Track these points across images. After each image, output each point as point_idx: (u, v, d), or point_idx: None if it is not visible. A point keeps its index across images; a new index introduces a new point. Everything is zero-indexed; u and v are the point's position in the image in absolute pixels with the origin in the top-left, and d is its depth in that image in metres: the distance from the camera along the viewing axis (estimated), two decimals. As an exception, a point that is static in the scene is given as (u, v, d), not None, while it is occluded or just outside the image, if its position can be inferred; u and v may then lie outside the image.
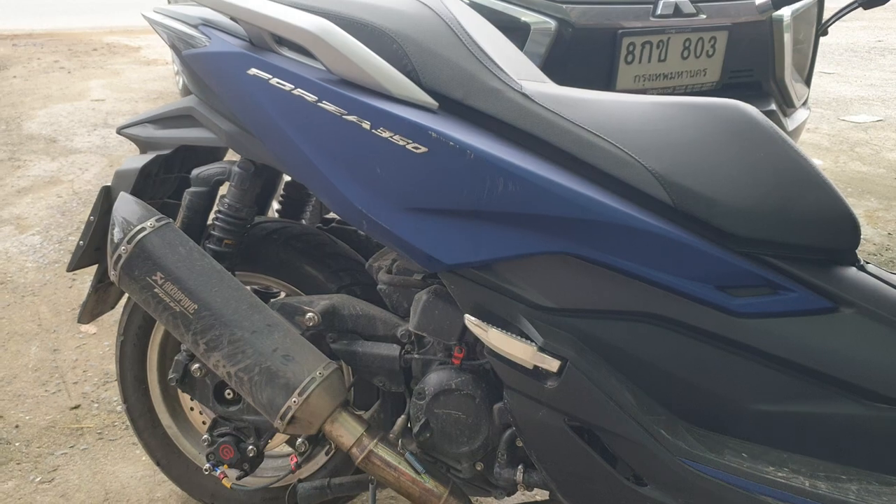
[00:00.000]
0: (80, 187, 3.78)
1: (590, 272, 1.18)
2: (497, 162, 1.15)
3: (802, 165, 1.19)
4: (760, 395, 1.20)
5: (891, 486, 1.14)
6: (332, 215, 1.75)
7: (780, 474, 1.14)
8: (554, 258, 1.19)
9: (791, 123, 2.85)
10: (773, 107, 2.75)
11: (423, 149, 1.17)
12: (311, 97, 1.23)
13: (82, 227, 3.28)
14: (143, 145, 1.52)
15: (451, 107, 1.22)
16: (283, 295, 1.60)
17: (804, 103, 3.03)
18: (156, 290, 1.28)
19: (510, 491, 1.39)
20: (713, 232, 1.17)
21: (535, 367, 1.18)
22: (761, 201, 1.17)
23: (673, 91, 2.57)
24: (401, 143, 1.18)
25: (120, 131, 1.54)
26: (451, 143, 1.16)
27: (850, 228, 1.17)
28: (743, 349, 1.18)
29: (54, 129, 4.72)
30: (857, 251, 1.20)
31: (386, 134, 1.19)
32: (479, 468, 1.37)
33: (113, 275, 1.32)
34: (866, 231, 3.51)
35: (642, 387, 1.20)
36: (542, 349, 1.17)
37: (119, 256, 1.29)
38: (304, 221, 1.74)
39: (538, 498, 1.52)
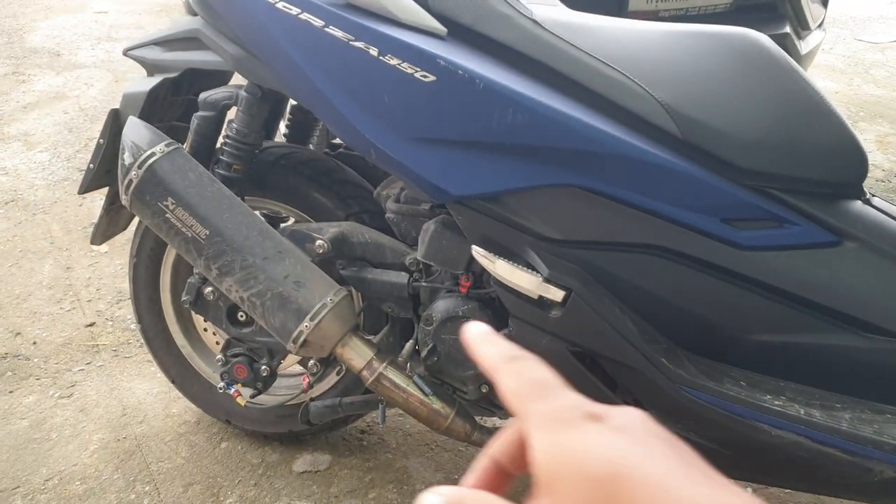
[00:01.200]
0: (87, 103, 3.75)
1: (596, 204, 1.19)
2: (506, 92, 1.14)
3: (813, 98, 1.18)
4: (761, 326, 1.22)
5: (882, 413, 1.18)
6: (338, 140, 1.74)
7: (776, 402, 1.17)
8: (561, 190, 1.19)
9: (805, 47, 2.79)
10: (788, 29, 2.68)
11: (432, 77, 1.17)
12: (317, 22, 1.21)
13: (90, 144, 3.29)
14: (150, 68, 1.51)
15: (460, 33, 1.20)
16: (291, 221, 1.61)
17: (820, 25, 2.95)
18: (167, 215, 1.29)
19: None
20: (720, 164, 1.17)
21: (541, 297, 1.20)
22: (770, 134, 1.17)
23: (686, 13, 2.51)
24: (409, 71, 1.17)
25: (126, 53, 1.53)
26: (460, 71, 1.15)
27: (858, 162, 1.17)
28: (746, 281, 1.20)
29: (57, 43, 4.64)
30: (863, 185, 1.20)
31: (394, 61, 1.18)
32: (484, 390, 1.41)
33: (124, 199, 1.33)
34: (875, 157, 3.48)
35: (645, 317, 1.23)
36: (547, 280, 1.19)
37: (130, 181, 1.30)
38: (311, 146, 1.74)
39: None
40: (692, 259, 1.20)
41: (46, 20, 5.12)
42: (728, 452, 1.21)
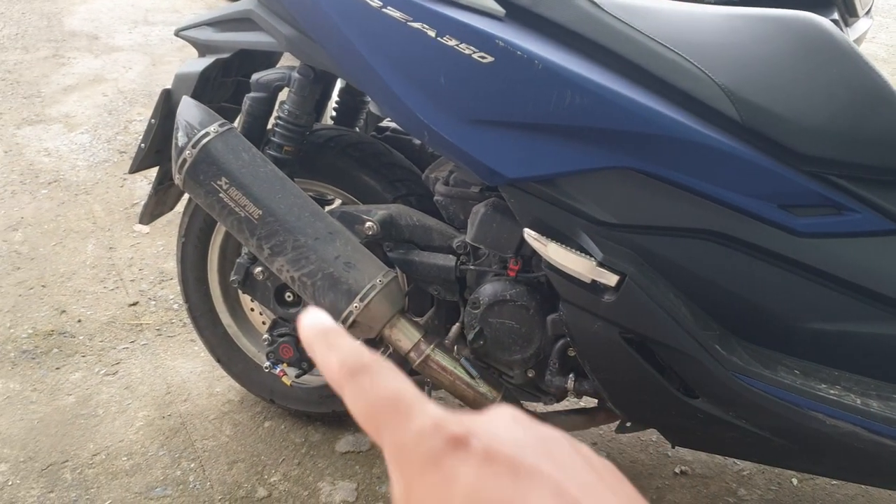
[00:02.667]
0: (125, 86, 3.78)
1: (653, 188, 1.18)
2: (565, 73, 1.14)
3: (876, 83, 1.16)
4: (817, 314, 1.21)
5: (941, 405, 1.16)
6: (386, 123, 1.74)
7: (832, 392, 1.16)
8: (618, 173, 1.18)
9: (852, 34, 2.74)
10: (836, 16, 2.64)
11: (490, 58, 1.16)
12: (375, 3, 1.21)
13: (129, 126, 3.33)
14: (202, 48, 1.52)
15: (518, 14, 1.20)
16: (338, 203, 1.62)
17: (867, 12, 2.90)
18: (220, 195, 1.30)
19: (560, 397, 1.43)
20: (780, 150, 1.15)
21: (594, 281, 1.19)
22: (832, 119, 1.15)
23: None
24: (466, 51, 1.17)
25: (178, 33, 1.54)
26: (519, 52, 1.15)
27: (922, 149, 1.15)
28: (803, 269, 1.19)
29: (95, 26, 4.68)
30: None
31: (451, 42, 1.17)
32: (530, 375, 1.41)
33: (178, 179, 1.34)
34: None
35: (699, 303, 1.22)
36: (601, 264, 1.18)
37: (184, 161, 1.31)
38: (357, 129, 1.74)
39: (582, 405, 1.56)
40: (748, 245, 1.19)
41: (84, 4, 5.16)
42: (780, 441, 1.21)
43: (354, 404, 0.30)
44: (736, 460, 1.75)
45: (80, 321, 2.15)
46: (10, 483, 1.64)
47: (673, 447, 1.51)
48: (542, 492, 0.26)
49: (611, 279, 1.18)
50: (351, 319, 1.30)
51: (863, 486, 1.64)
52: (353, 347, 0.31)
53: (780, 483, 1.71)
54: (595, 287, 1.21)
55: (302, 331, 0.33)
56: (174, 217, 1.88)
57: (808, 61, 1.17)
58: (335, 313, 1.30)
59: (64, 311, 2.19)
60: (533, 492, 0.26)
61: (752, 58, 1.16)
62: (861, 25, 2.81)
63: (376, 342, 1.46)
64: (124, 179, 2.90)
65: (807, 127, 1.14)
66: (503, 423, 0.29)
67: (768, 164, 1.15)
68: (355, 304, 1.29)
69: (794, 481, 1.71)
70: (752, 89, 1.14)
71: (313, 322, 0.33)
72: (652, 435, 1.83)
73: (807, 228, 1.17)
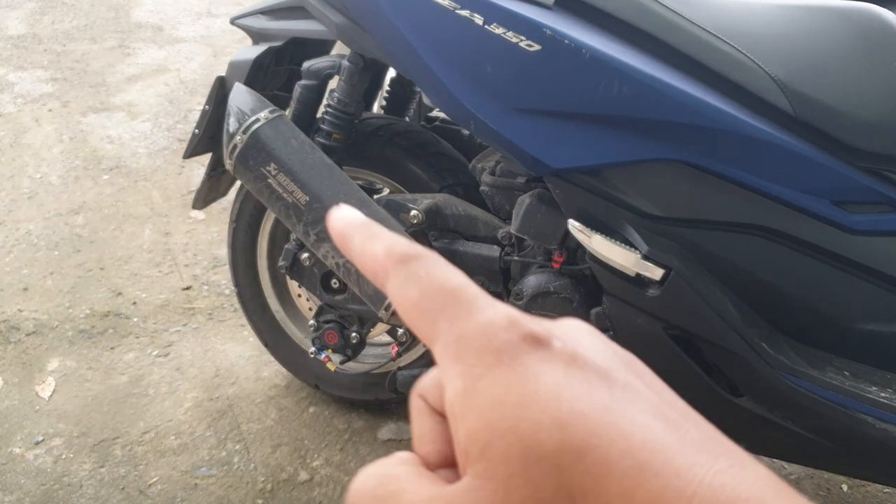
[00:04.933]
0: (187, 76, 3.87)
1: (701, 181, 1.16)
2: (613, 63, 1.12)
3: (940, 77, 1.12)
4: (869, 314, 1.17)
5: None
6: (435, 113, 1.75)
7: (882, 395, 1.12)
8: (665, 165, 1.16)
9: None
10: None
11: (537, 47, 1.15)
12: (424, -9, 1.21)
13: (189, 115, 3.40)
14: (256, 36, 1.54)
15: (566, 3, 1.18)
16: (386, 191, 1.63)
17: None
18: (269, 180, 1.32)
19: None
20: (834, 144, 1.12)
21: (638, 274, 1.18)
22: (890, 114, 1.11)
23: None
24: (514, 40, 1.16)
25: (233, 22, 1.57)
26: (567, 41, 1.13)
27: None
28: (855, 267, 1.15)
29: (160, 18, 4.80)
30: None
31: (499, 30, 1.17)
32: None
33: (228, 164, 1.37)
34: None
35: (746, 300, 1.19)
36: (646, 257, 1.17)
37: (235, 146, 1.34)
38: (407, 119, 1.75)
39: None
40: (799, 241, 1.16)
41: (150, -4, 5.30)
42: (827, 444, 1.17)
43: (403, 293, 0.26)
44: (784, 464, 1.71)
45: (135, 303, 2.22)
46: (63, 457, 1.70)
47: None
48: (643, 407, 0.23)
49: (655, 273, 1.16)
50: (393, 308, 1.30)
51: (917, 496, 1.58)
52: (401, 238, 0.28)
53: (829, 489, 1.66)
54: (639, 280, 1.19)
55: (335, 222, 0.29)
56: (229, 204, 1.92)
57: (868, 54, 1.13)
58: (378, 300, 1.32)
59: (120, 294, 2.26)
60: (632, 405, 0.23)
61: (807, 50, 1.13)
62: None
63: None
64: (182, 167, 2.97)
65: (863, 121, 1.10)
66: (586, 332, 0.26)
67: (821, 159, 1.12)
68: (398, 292, 1.30)
69: (844, 487, 1.66)
70: (807, 82, 1.11)
71: (344, 216, 0.29)
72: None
73: (860, 226, 1.13)
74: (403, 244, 0.27)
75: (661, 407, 0.23)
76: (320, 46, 1.65)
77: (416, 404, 0.28)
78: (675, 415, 0.23)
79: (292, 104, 1.50)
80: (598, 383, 0.23)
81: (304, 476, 1.68)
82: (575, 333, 0.26)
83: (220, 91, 1.53)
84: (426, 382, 0.28)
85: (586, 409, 0.22)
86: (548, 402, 0.22)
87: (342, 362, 1.57)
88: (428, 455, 0.27)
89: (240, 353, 2.03)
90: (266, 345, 1.82)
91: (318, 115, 1.53)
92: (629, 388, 0.23)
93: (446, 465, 0.26)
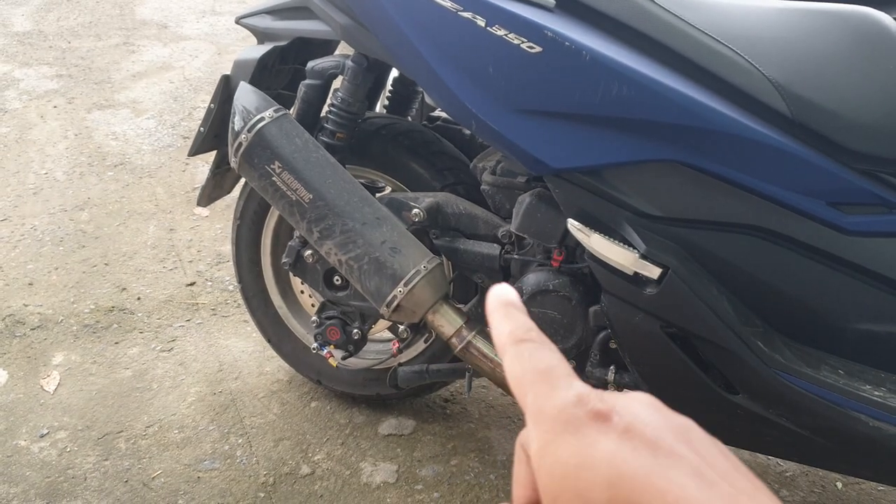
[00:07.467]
0: (191, 74, 3.89)
1: (699, 182, 1.18)
2: (613, 65, 1.14)
3: (936, 80, 1.13)
4: (863, 314, 1.19)
5: None
6: (437, 113, 1.77)
7: (876, 393, 1.14)
8: (664, 166, 1.18)
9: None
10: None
11: (538, 48, 1.17)
12: (427, -7, 1.23)
13: (194, 113, 3.42)
14: (261, 36, 1.56)
15: (567, 5, 1.20)
16: (388, 190, 1.65)
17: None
18: (273, 178, 1.34)
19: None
20: (831, 146, 1.14)
21: (636, 273, 1.20)
22: (886, 117, 1.13)
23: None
24: (515, 41, 1.18)
25: (239, 21, 1.58)
26: (567, 43, 1.15)
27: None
28: (850, 268, 1.17)
29: (165, 15, 4.82)
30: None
31: (501, 32, 1.19)
32: (571, 365, 1.42)
33: (233, 162, 1.39)
34: None
35: (743, 299, 1.21)
36: (644, 256, 1.18)
37: (239, 144, 1.36)
38: (409, 118, 1.77)
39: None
40: (795, 242, 1.17)
41: (155, -7, 5.32)
42: (822, 441, 1.19)
43: (511, 368, 0.32)
44: (779, 461, 1.73)
45: (139, 299, 2.24)
46: (68, 450, 1.72)
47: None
48: (682, 470, 0.27)
49: (653, 272, 1.18)
50: (395, 304, 1.32)
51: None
52: (526, 322, 0.34)
53: (823, 486, 1.68)
54: (637, 279, 1.21)
55: (489, 300, 0.36)
56: (232, 201, 1.94)
57: (864, 57, 1.15)
58: (379, 297, 1.34)
59: (124, 289, 2.28)
60: (672, 470, 0.27)
61: (804, 52, 1.15)
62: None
63: (419, 328, 1.49)
64: (186, 164, 2.99)
65: (860, 123, 1.12)
66: (643, 406, 0.30)
67: (818, 160, 1.14)
68: (399, 289, 1.32)
69: (839, 485, 1.68)
70: (804, 84, 1.13)
71: (500, 294, 0.36)
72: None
73: (856, 227, 1.15)
74: (523, 329, 0.34)
75: (701, 468, 0.27)
76: (324, 46, 1.67)
77: (517, 452, 0.34)
78: (712, 474, 0.27)
79: (296, 103, 1.52)
80: (644, 451, 0.28)
81: (305, 470, 1.70)
82: (634, 407, 0.30)
83: (226, 89, 1.54)
84: (527, 435, 0.33)
85: (632, 472, 0.27)
86: (601, 466, 0.27)
87: (344, 358, 1.59)
88: (519, 498, 0.33)
89: (243, 349, 2.05)
90: (269, 340, 1.85)
91: (322, 114, 1.55)
92: (674, 453, 0.28)
93: None
